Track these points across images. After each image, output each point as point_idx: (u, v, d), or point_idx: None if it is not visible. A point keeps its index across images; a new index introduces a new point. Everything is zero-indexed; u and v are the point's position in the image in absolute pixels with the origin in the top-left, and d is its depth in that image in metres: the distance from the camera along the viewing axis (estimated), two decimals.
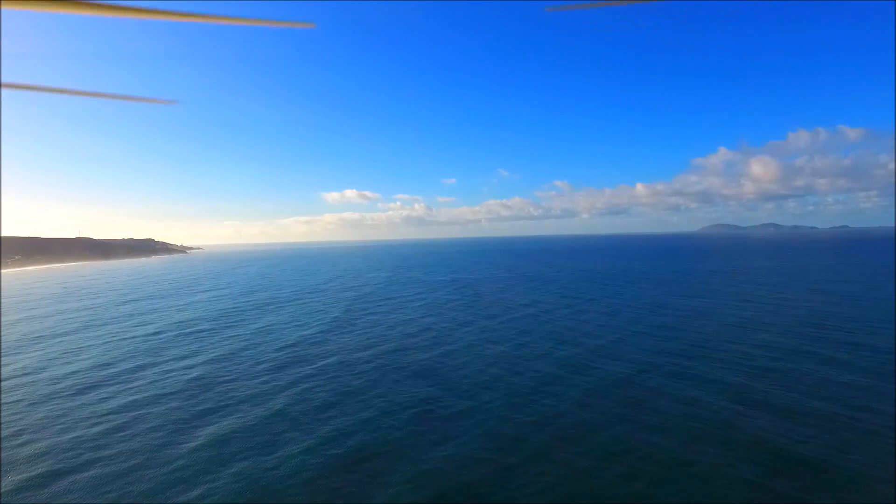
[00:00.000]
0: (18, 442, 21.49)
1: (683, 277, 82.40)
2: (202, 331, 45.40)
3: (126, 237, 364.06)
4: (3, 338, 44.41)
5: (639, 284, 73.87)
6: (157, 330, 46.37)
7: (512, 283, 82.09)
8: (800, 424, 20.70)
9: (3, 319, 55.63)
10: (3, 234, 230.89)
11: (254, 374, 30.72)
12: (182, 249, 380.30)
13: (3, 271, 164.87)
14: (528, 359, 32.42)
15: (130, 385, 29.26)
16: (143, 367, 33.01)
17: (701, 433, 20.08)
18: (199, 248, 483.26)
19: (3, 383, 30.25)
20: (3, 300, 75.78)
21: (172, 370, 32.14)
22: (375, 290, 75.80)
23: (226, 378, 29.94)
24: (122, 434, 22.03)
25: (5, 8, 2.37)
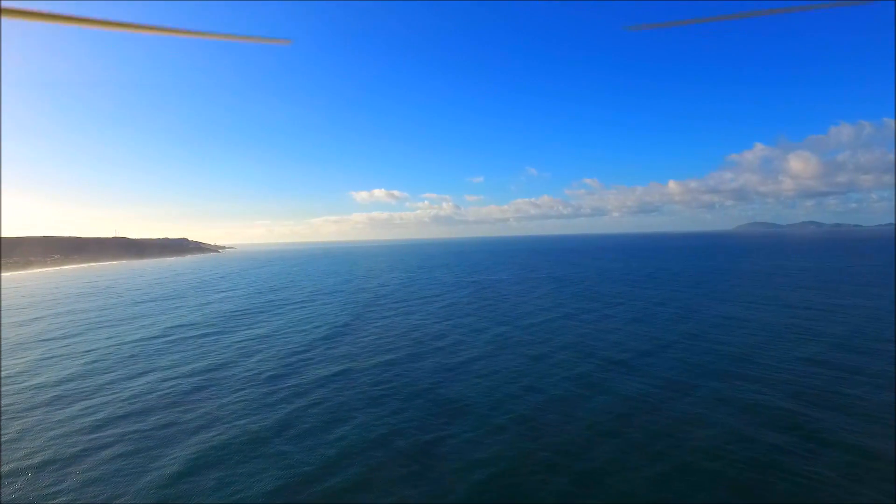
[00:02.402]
0: None
1: (720, 279, 76.62)
2: (206, 335, 43.47)
3: (161, 237, 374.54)
4: (12, 338, 43.62)
5: (671, 287, 68.80)
6: (162, 333, 44.74)
7: (536, 284, 78.14)
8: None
9: (19, 318, 55.47)
10: (42, 235, 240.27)
11: (245, 387, 28.18)
12: (214, 249, 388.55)
13: (41, 270, 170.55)
14: (547, 375, 28.84)
15: (117, 396, 27.17)
16: (133, 377, 30.99)
17: (761, 484, 16.20)
18: (230, 248, 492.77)
19: None
20: (28, 299, 76.64)
21: (163, 380, 29.96)
22: (392, 292, 73.17)
23: (213, 394, 27.47)
24: (93, 459, 19.70)
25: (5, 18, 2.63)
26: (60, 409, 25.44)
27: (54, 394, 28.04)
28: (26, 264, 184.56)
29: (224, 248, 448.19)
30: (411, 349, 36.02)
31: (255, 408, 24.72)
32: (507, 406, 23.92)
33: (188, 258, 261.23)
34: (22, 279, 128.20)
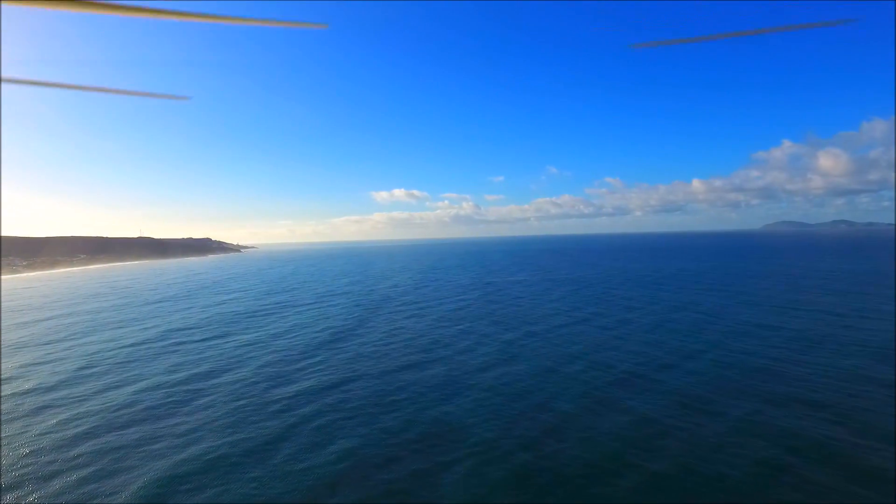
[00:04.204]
0: None
1: (747, 281, 72.31)
2: (207, 338, 42.04)
3: (186, 237, 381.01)
4: (13, 340, 43.10)
5: (694, 289, 65.00)
6: (164, 336, 43.56)
7: (552, 286, 75.24)
8: None
9: (28, 319, 55.40)
10: (69, 235, 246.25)
11: (234, 400, 26.35)
12: (237, 248, 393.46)
13: (66, 270, 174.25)
14: (560, 391, 26.29)
15: (103, 406, 25.70)
16: (125, 384, 29.54)
17: None
18: (253, 248, 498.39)
19: None
20: (43, 299, 77.22)
21: (153, 388, 28.40)
22: (403, 294, 71.30)
23: (200, 406, 25.68)
24: (61, 482, 18.14)
25: (6, 4, 2.52)
26: (40, 422, 24.03)
27: (39, 402, 26.75)
28: (53, 264, 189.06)
29: (246, 247, 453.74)
30: (415, 358, 33.92)
31: (241, 425, 22.89)
32: (516, 428, 21.54)
33: (210, 258, 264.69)
34: (46, 278, 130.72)
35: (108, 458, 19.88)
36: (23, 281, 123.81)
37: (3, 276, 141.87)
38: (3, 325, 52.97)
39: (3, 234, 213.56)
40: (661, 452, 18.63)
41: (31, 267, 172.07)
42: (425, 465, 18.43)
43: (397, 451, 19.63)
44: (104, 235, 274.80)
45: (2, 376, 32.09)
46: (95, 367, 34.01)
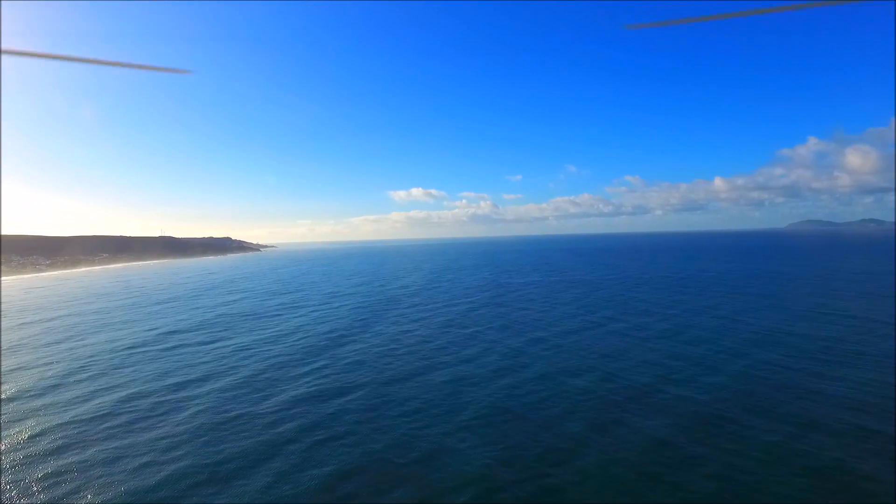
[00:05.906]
0: None
1: (770, 284, 68.37)
2: (205, 341, 40.69)
3: (206, 236, 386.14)
4: (12, 342, 42.48)
5: (714, 292, 61.31)
6: (162, 338, 42.43)
7: (566, 288, 72.42)
8: None
9: (39, 317, 55.22)
10: (91, 235, 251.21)
11: (220, 411, 24.73)
12: (256, 248, 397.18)
13: (86, 269, 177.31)
14: (570, 410, 24.00)
15: (83, 416, 24.39)
16: (110, 390, 28.26)
17: None
18: (272, 247, 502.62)
19: None
20: (53, 298, 77.59)
21: (139, 396, 26.99)
22: (412, 295, 69.49)
23: (184, 418, 24.10)
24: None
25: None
26: (14, 435, 22.75)
27: (18, 411, 25.51)
28: (75, 262, 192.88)
29: (266, 246, 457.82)
30: (417, 367, 31.90)
31: (224, 443, 21.16)
32: (523, 454, 19.27)
33: (229, 257, 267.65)
34: (64, 277, 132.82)
35: (81, 478, 18.40)
36: (42, 280, 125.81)
37: (24, 276, 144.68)
38: (7, 325, 52.75)
39: (28, 233, 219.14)
40: (688, 489, 16.25)
41: (53, 266, 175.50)
42: (420, 499, 16.46)
43: (390, 480, 17.67)
44: (126, 235, 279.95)
45: (1, 378, 31.30)
46: (88, 371, 32.91)
